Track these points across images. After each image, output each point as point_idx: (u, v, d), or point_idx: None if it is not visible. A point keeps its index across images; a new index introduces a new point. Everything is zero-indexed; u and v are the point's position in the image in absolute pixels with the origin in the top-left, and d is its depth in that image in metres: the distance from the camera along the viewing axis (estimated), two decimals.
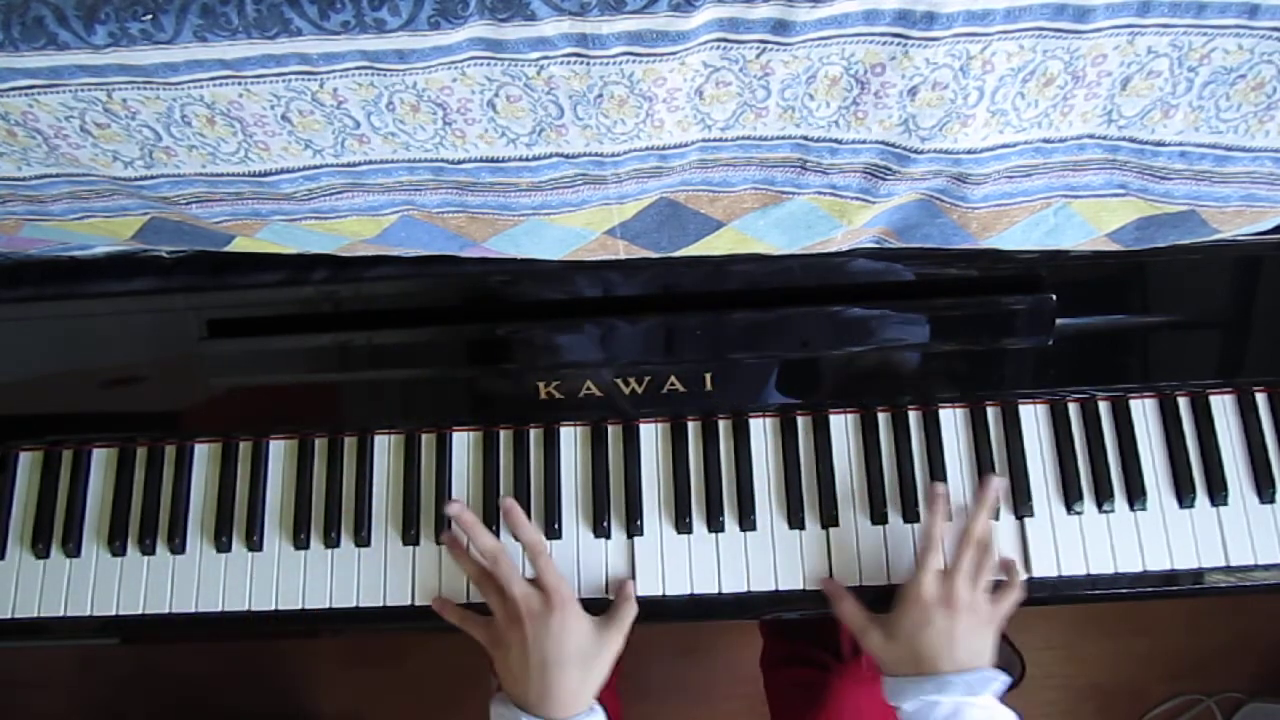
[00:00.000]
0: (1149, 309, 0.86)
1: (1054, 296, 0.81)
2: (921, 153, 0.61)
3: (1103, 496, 0.86)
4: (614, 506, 0.87)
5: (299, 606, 0.87)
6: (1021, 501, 0.86)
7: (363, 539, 0.88)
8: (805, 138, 0.62)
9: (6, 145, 0.61)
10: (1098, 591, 0.85)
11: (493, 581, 0.80)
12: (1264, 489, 0.85)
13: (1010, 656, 1.61)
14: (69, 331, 0.88)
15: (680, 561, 0.86)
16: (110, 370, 0.89)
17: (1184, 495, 0.85)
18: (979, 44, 0.53)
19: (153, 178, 0.64)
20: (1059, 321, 0.83)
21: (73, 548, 0.89)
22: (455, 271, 0.82)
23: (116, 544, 0.88)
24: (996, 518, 0.86)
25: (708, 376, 0.85)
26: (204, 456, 0.91)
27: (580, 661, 0.76)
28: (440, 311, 0.85)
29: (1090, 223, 0.72)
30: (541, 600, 0.77)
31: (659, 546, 0.87)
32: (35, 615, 0.88)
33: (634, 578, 0.85)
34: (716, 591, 0.85)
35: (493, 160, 0.62)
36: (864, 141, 0.61)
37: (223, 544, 0.88)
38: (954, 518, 0.86)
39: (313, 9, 0.49)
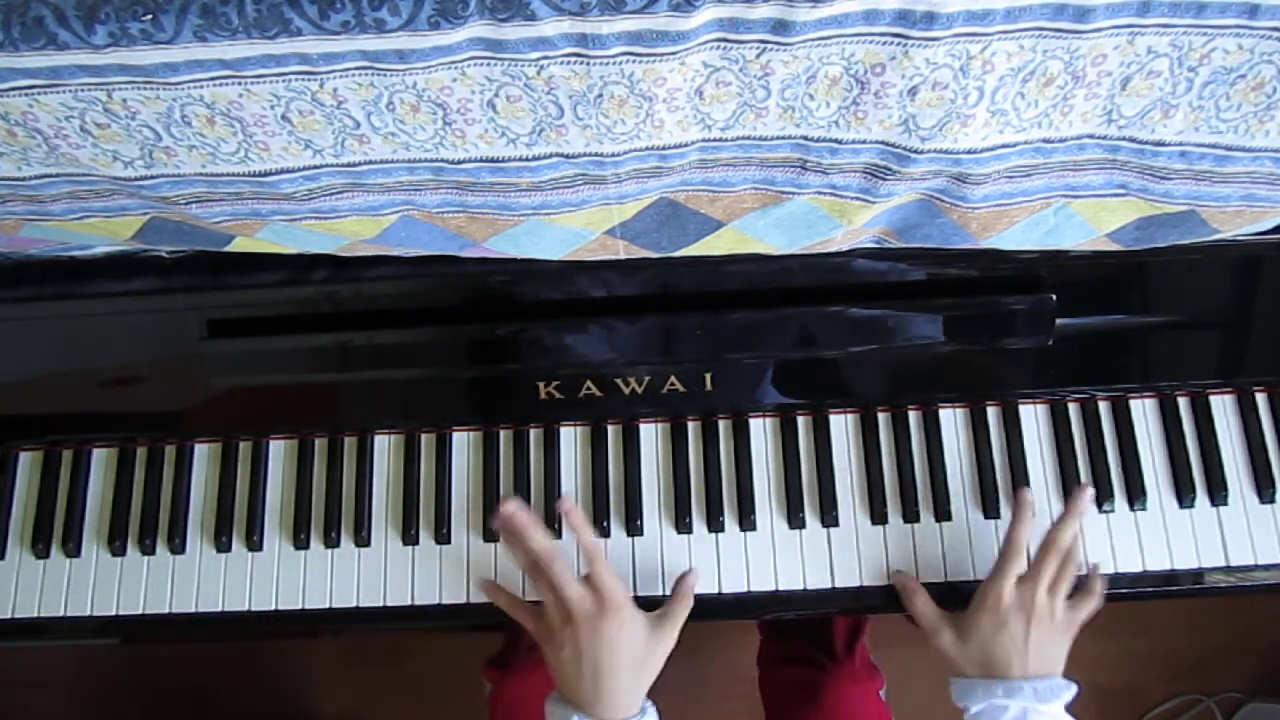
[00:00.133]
0: (1149, 309, 0.86)
1: (1054, 296, 0.81)
2: (921, 153, 0.61)
3: (1103, 497, 0.86)
4: (614, 506, 0.87)
5: (299, 606, 0.87)
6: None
7: (363, 539, 0.88)
8: (805, 138, 0.62)
9: (6, 145, 0.61)
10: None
11: (546, 577, 0.78)
12: (1264, 489, 0.85)
13: None
14: (69, 331, 0.88)
15: (680, 562, 0.86)
16: (110, 370, 0.89)
17: (1184, 495, 0.85)
18: (979, 44, 0.53)
19: (153, 178, 0.64)
20: (1059, 321, 0.83)
21: (73, 548, 0.89)
22: (455, 271, 0.82)
23: (116, 544, 0.88)
24: (996, 516, 0.86)
25: (708, 376, 0.85)
26: (204, 456, 0.91)
27: (634, 665, 0.76)
28: (440, 311, 0.85)
29: (1090, 223, 0.72)
30: (595, 603, 0.75)
31: (659, 546, 0.87)
32: (35, 615, 0.88)
33: (696, 577, 0.84)
34: (716, 591, 0.85)
35: (493, 160, 0.62)
36: (864, 141, 0.61)
37: (223, 544, 0.88)
38: (954, 520, 0.86)
39: (313, 9, 0.49)
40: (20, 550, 0.89)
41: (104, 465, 0.91)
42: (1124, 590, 0.84)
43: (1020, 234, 0.72)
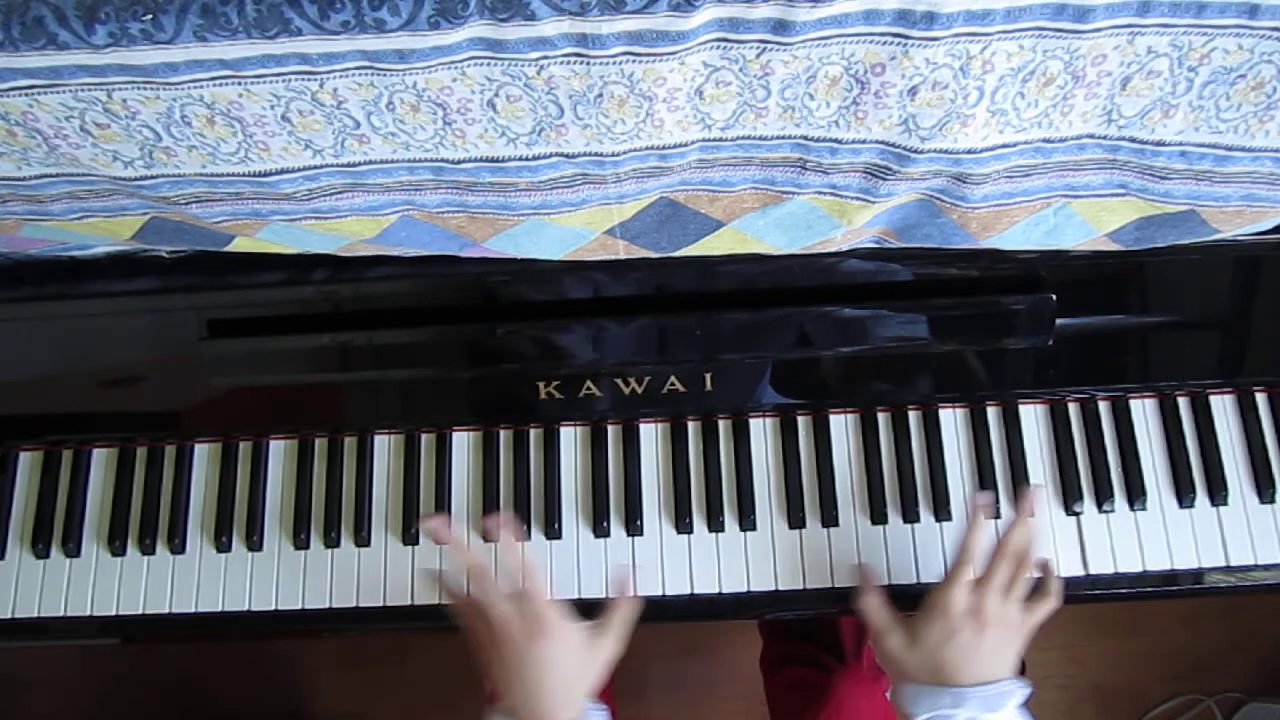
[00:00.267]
0: (1149, 309, 0.86)
1: (1054, 296, 0.81)
2: (921, 153, 0.61)
3: (1103, 497, 0.86)
4: (614, 506, 0.87)
5: (299, 606, 0.87)
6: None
7: (363, 539, 0.88)
8: (805, 138, 0.62)
9: (6, 145, 0.61)
10: (1098, 591, 0.85)
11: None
12: (1264, 489, 0.85)
13: None
14: (69, 331, 0.88)
15: (680, 561, 0.86)
16: (110, 370, 0.89)
17: (1184, 495, 0.85)
18: (979, 44, 0.53)
19: (153, 178, 0.64)
20: (1059, 321, 0.83)
21: (73, 548, 0.89)
22: (455, 271, 0.82)
23: (116, 544, 0.88)
24: (997, 516, 0.86)
25: (708, 376, 0.85)
26: (204, 456, 0.91)
27: (567, 681, 0.74)
28: (440, 311, 0.85)
29: (1090, 223, 0.72)
30: (523, 627, 0.74)
31: (659, 546, 0.87)
32: (35, 615, 0.88)
33: (634, 574, 0.84)
34: (716, 591, 0.85)
35: (493, 160, 0.62)
36: (864, 141, 0.61)
37: (223, 544, 0.88)
38: (954, 520, 0.86)
39: (313, 9, 0.49)
40: (20, 550, 0.89)
41: (104, 465, 0.91)
42: (1124, 590, 0.84)
43: (1020, 234, 0.72)
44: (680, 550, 0.86)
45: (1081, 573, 0.84)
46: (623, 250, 0.75)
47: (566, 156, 0.62)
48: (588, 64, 0.53)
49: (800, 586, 0.85)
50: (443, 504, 0.88)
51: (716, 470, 0.87)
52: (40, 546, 0.89)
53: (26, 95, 0.56)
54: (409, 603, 0.85)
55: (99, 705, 1.67)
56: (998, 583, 0.75)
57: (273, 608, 0.87)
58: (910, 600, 0.80)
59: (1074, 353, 0.85)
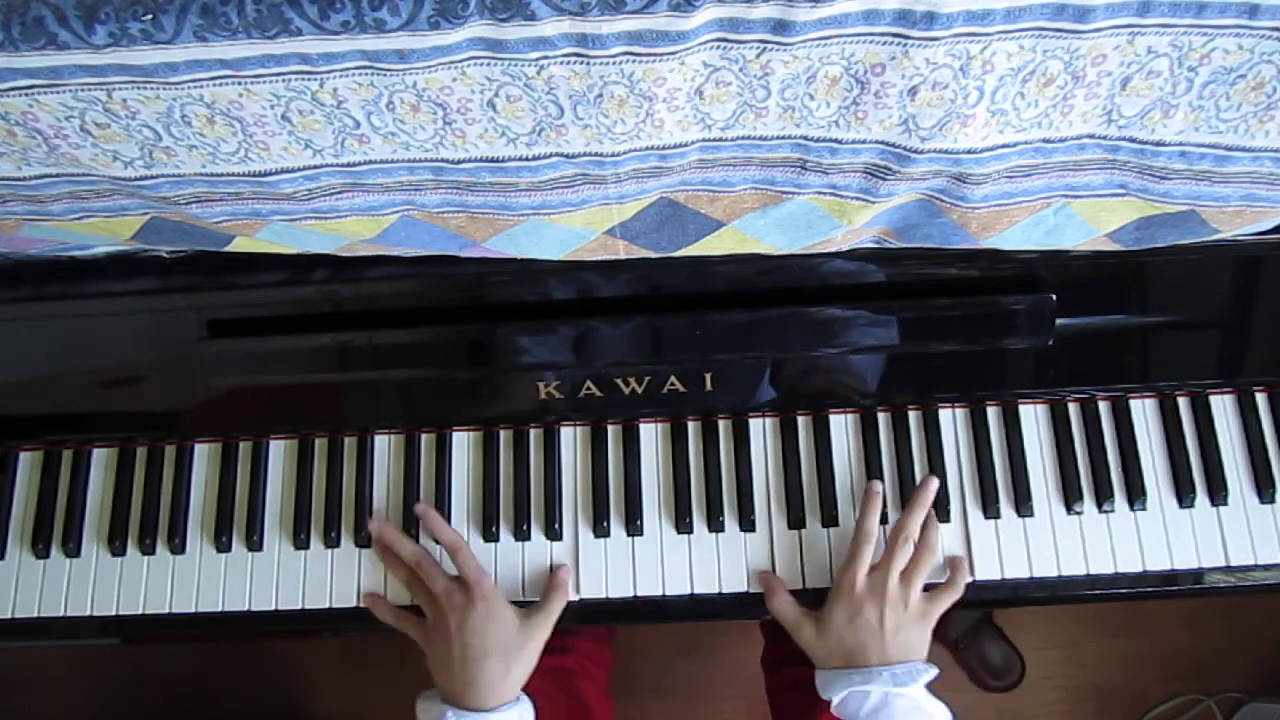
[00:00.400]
0: (1149, 309, 0.86)
1: (1054, 296, 0.81)
2: (921, 153, 0.61)
3: (1103, 496, 0.86)
4: (614, 506, 0.87)
5: (299, 606, 0.87)
6: (1022, 501, 0.86)
7: (363, 539, 0.88)
8: (805, 138, 0.62)
9: (6, 145, 0.61)
10: (1098, 591, 0.85)
11: (420, 584, 0.82)
12: (1264, 489, 0.85)
13: (1010, 656, 1.62)
14: (69, 331, 0.88)
15: (680, 561, 0.86)
16: (110, 370, 0.89)
17: (1184, 495, 0.85)
18: (979, 44, 0.53)
19: (153, 178, 0.64)
20: (1059, 321, 0.83)
21: (73, 548, 0.89)
22: (455, 271, 0.82)
23: (116, 544, 0.88)
24: (998, 516, 0.86)
25: (707, 376, 0.85)
26: (204, 456, 0.91)
27: (503, 652, 0.78)
28: (440, 311, 0.85)
29: (1090, 223, 0.72)
30: (463, 594, 0.79)
31: (659, 546, 0.87)
32: (35, 615, 0.88)
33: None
34: (716, 591, 0.85)
35: (493, 160, 0.62)
36: (864, 141, 0.61)
37: (223, 544, 0.88)
38: (954, 520, 0.86)
39: (313, 9, 0.49)
40: (20, 550, 0.89)
41: (104, 465, 0.91)
42: (1124, 590, 0.84)
43: (1020, 234, 0.72)
44: (680, 550, 0.86)
45: (1082, 572, 0.84)
46: (623, 250, 0.75)
47: (566, 156, 0.62)
48: (588, 64, 0.53)
49: (800, 586, 0.85)
50: (443, 504, 0.88)
51: (716, 470, 0.87)
52: (40, 546, 0.89)
53: (26, 95, 0.56)
54: (409, 603, 0.86)
55: (99, 705, 1.67)
56: (895, 564, 0.79)
57: (273, 608, 0.87)
58: None
59: (1074, 353, 0.85)
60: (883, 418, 0.89)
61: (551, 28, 0.50)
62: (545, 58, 0.53)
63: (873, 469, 0.87)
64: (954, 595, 0.81)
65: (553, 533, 0.87)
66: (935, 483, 0.85)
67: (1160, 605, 1.60)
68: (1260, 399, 0.88)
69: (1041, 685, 1.62)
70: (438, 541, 0.85)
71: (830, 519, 0.86)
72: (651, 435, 0.89)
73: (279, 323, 0.85)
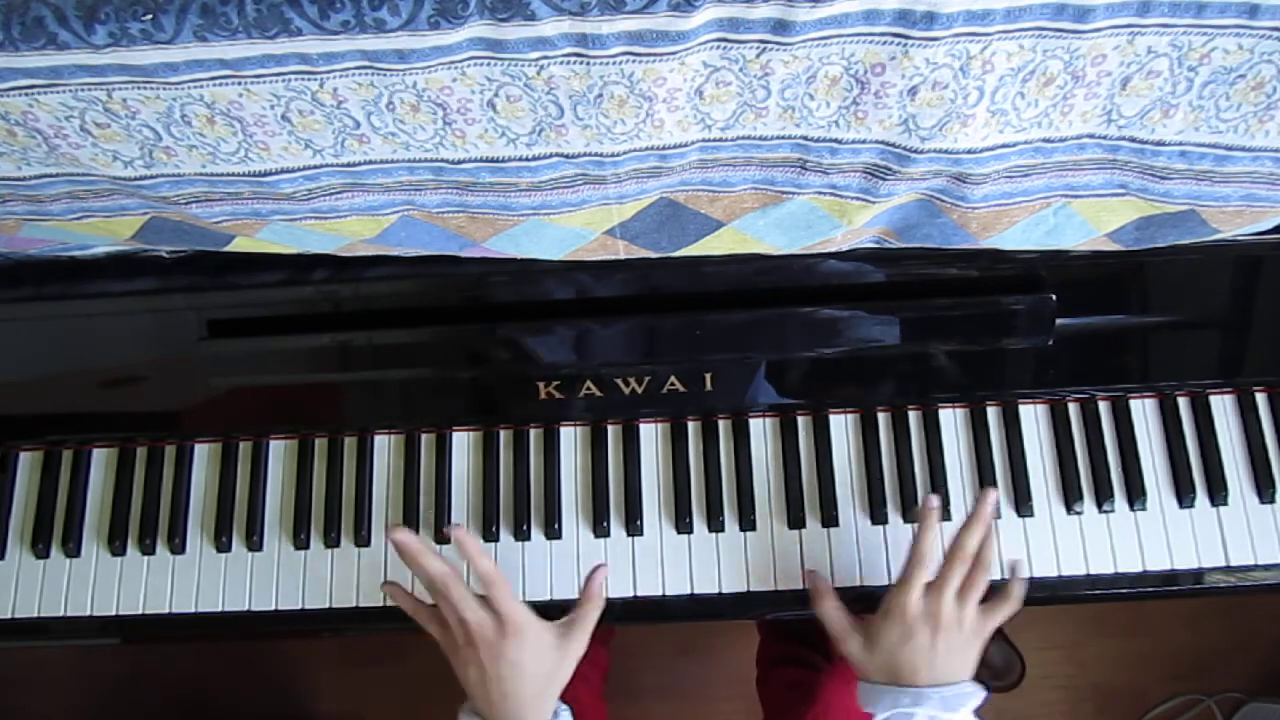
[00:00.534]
0: (1149, 309, 0.86)
1: (1054, 296, 0.81)
2: (921, 152, 0.61)
3: (1103, 496, 0.86)
4: (614, 506, 0.87)
5: (299, 606, 0.87)
6: (1022, 501, 0.86)
7: (363, 539, 0.88)
8: (805, 138, 0.62)
9: (6, 145, 0.61)
10: (1098, 591, 0.85)
11: (444, 600, 0.76)
12: (1264, 489, 0.85)
13: (1010, 656, 1.62)
14: (69, 331, 0.88)
15: (680, 561, 0.86)
16: (110, 370, 0.89)
17: (1184, 495, 0.85)
18: (979, 44, 0.53)
19: (153, 178, 0.64)
20: (1059, 321, 0.83)
21: (73, 548, 0.89)
22: (455, 271, 0.82)
23: (116, 544, 0.88)
24: (997, 516, 0.86)
25: (707, 376, 0.85)
26: (204, 456, 0.91)
27: (539, 679, 0.75)
28: (440, 311, 0.85)
29: (1090, 223, 0.72)
30: (495, 627, 0.74)
31: (659, 546, 0.87)
32: (35, 615, 0.88)
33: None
34: (716, 591, 0.85)
35: (493, 160, 0.62)
36: (864, 141, 0.61)
37: (223, 544, 0.88)
38: (954, 520, 0.86)
39: (313, 9, 0.49)
40: (20, 550, 0.89)
41: (104, 465, 0.91)
42: (1124, 590, 0.84)
43: (1020, 234, 0.72)
44: (680, 550, 0.86)
45: (1082, 572, 0.84)
46: (623, 250, 0.75)
47: (566, 157, 0.62)
48: (588, 64, 0.53)
49: (800, 586, 0.85)
50: (443, 504, 0.88)
51: (716, 470, 0.87)
52: (40, 546, 0.89)
53: (26, 95, 0.56)
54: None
55: (99, 705, 1.67)
56: (951, 585, 0.75)
57: (273, 608, 0.87)
58: None
59: (1074, 353, 0.85)
60: (883, 418, 0.89)
61: (551, 28, 0.50)
62: (545, 58, 0.53)
63: (873, 469, 0.87)
64: (1011, 607, 0.78)
65: (552, 532, 0.87)
66: (994, 496, 0.81)
67: (1160, 605, 1.60)
68: (1260, 399, 0.88)
69: (1041, 685, 1.62)
70: (475, 570, 0.77)
71: (830, 519, 0.86)
72: (651, 435, 0.89)
73: (279, 323, 0.85)
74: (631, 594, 0.85)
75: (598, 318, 0.83)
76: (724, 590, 0.85)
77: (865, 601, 0.82)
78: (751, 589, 0.85)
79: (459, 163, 0.63)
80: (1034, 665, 1.61)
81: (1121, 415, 0.88)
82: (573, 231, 0.72)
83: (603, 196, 0.67)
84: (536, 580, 0.86)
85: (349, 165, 0.63)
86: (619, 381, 0.85)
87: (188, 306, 0.85)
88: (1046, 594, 0.85)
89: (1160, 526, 0.85)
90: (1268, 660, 1.62)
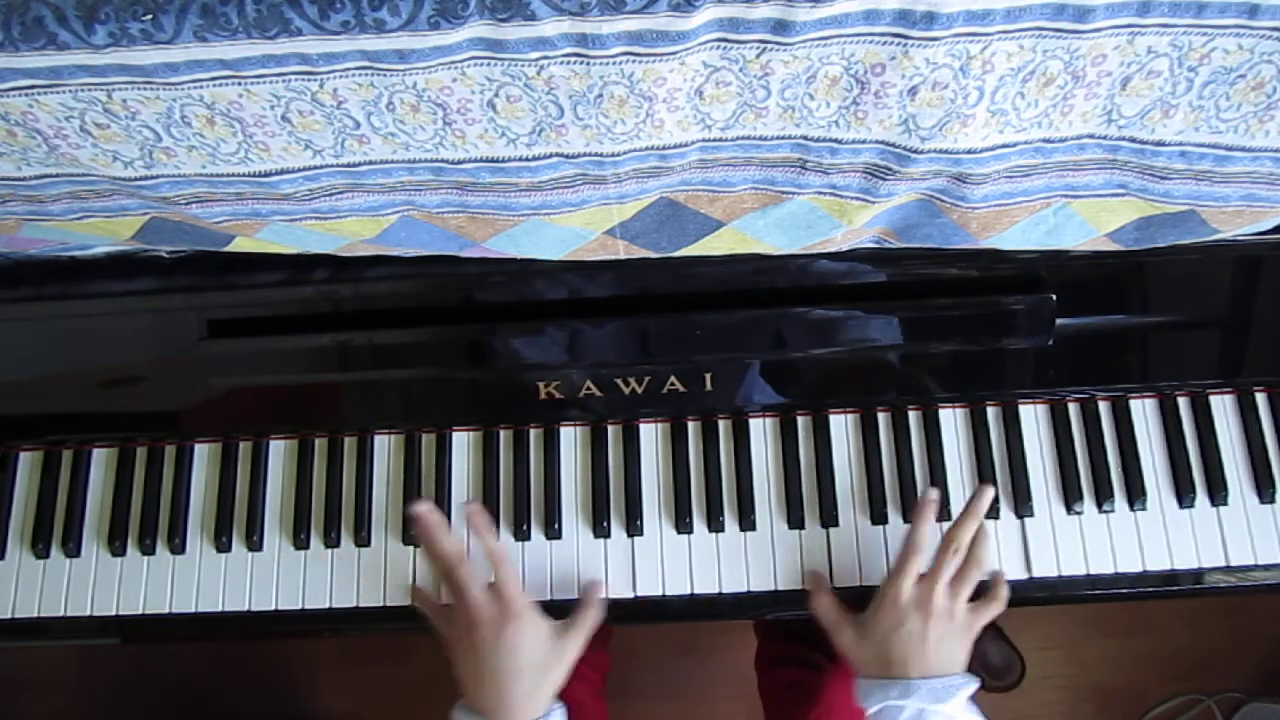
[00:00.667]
0: (1149, 309, 0.86)
1: (1054, 296, 0.81)
2: (921, 153, 0.61)
3: (1103, 496, 0.86)
4: (614, 506, 0.87)
5: (299, 606, 0.87)
6: (1022, 501, 0.86)
7: (363, 539, 0.88)
8: (805, 138, 0.62)
9: (6, 145, 0.61)
10: (1098, 591, 0.85)
11: (453, 583, 0.79)
12: (1264, 489, 0.85)
13: (1010, 656, 1.62)
14: (69, 331, 0.88)
15: (680, 561, 0.86)
16: (110, 370, 0.89)
17: (1184, 495, 0.85)
18: (979, 44, 0.53)
19: (153, 178, 0.64)
20: (1059, 321, 0.83)
21: (73, 547, 0.89)
22: (455, 271, 0.82)
23: (116, 544, 0.88)
24: (996, 516, 0.86)
25: (708, 376, 0.85)
26: (204, 456, 0.91)
27: (534, 671, 0.76)
28: (440, 311, 0.85)
29: (1090, 223, 0.72)
30: (497, 610, 0.76)
31: (659, 546, 0.87)
32: (35, 615, 0.88)
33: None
34: (716, 591, 0.85)
35: (493, 160, 0.62)
36: (864, 141, 0.61)
37: (223, 544, 0.88)
38: (954, 520, 0.86)
39: (313, 9, 0.49)
40: (20, 550, 0.89)
41: (104, 465, 0.91)
42: (1124, 590, 0.84)
43: (1020, 234, 0.72)
44: (680, 550, 0.86)
45: (1082, 572, 0.84)
46: (623, 250, 0.75)
47: (566, 157, 0.62)
48: (588, 64, 0.53)
49: (800, 586, 0.85)
50: (443, 504, 0.88)
51: (716, 470, 0.87)
52: (40, 546, 0.89)
53: (26, 95, 0.56)
54: (409, 603, 0.85)
55: (99, 705, 1.67)
56: (944, 576, 0.77)
57: (273, 608, 0.87)
58: None
59: (1074, 353, 0.85)
60: (883, 418, 0.89)
61: (551, 28, 0.50)
62: (545, 58, 0.53)
63: (873, 469, 0.87)
64: (998, 608, 0.79)
65: (552, 532, 0.87)
66: (990, 492, 0.82)
67: (1160, 605, 1.60)
68: (1260, 399, 0.88)
69: (1041, 685, 1.62)
70: (484, 548, 0.80)
71: (830, 519, 0.86)
72: (651, 435, 0.89)
73: (279, 323, 0.85)
74: (631, 594, 0.85)
75: (598, 318, 0.83)
76: (724, 590, 0.85)
77: (865, 601, 0.82)
78: (751, 589, 0.85)
79: (459, 163, 0.63)
80: (1034, 665, 1.61)
81: (1121, 415, 0.88)
82: (573, 231, 0.72)
83: (603, 196, 0.67)
84: (536, 580, 0.86)
85: (349, 165, 0.63)
86: (619, 381, 0.85)
87: (188, 306, 0.86)
88: (1046, 594, 0.85)
89: (1160, 526, 0.85)
90: (1268, 660, 1.62)
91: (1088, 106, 0.60)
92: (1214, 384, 0.88)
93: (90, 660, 1.66)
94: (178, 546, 0.88)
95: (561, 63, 0.53)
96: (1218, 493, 0.85)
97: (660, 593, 0.85)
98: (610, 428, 0.89)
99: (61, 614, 0.87)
